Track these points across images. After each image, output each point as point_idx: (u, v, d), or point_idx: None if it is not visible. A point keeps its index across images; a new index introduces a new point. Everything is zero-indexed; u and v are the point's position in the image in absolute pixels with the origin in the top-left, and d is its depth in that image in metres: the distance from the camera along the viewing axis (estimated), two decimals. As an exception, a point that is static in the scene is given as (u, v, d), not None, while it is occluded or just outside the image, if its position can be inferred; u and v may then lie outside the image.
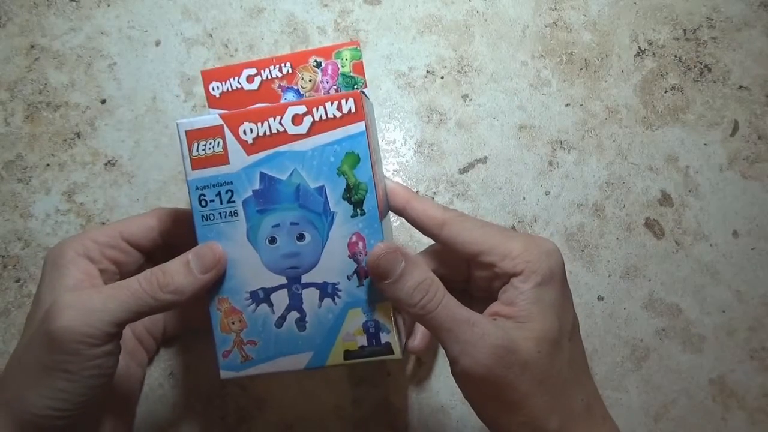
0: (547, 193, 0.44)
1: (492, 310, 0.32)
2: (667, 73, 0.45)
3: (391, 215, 0.37)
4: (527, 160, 0.44)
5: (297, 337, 0.32)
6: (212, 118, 0.32)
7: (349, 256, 0.32)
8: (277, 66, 0.34)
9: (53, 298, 0.31)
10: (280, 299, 0.32)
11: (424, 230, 0.34)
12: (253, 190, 0.32)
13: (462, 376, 0.30)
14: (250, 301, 0.32)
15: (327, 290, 0.32)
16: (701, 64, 0.45)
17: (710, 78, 0.45)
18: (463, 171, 0.44)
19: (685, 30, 0.45)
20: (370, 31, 0.45)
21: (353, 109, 0.31)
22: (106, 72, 0.44)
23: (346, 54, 0.34)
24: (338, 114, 0.31)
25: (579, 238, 0.43)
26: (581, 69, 0.45)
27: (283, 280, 0.32)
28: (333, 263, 0.32)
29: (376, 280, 0.31)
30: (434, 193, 0.43)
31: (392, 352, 0.32)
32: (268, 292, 0.32)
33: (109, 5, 0.45)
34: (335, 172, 0.31)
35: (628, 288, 0.43)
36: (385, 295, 0.31)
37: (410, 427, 0.42)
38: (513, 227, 0.43)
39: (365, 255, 0.32)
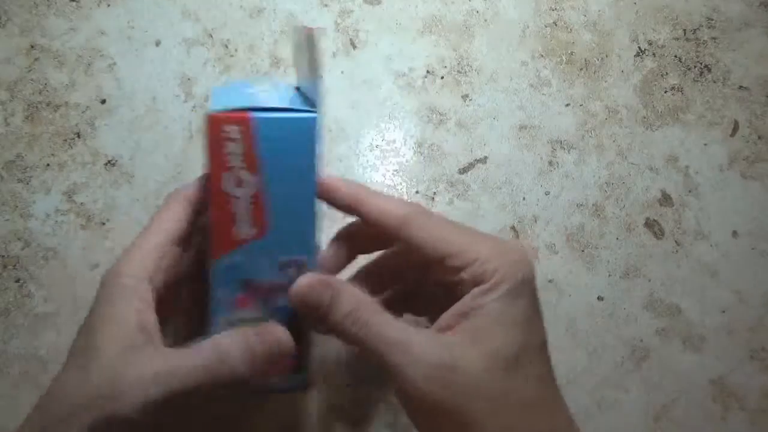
0: (547, 193, 0.44)
1: (443, 323, 0.29)
2: (667, 73, 0.45)
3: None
4: (527, 160, 0.44)
5: None
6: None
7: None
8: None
9: (121, 341, 0.28)
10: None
11: (381, 229, 0.30)
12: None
13: (402, 401, 0.29)
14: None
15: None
16: (701, 64, 0.45)
17: (710, 78, 0.45)
18: (463, 171, 0.44)
19: (685, 30, 0.45)
20: (370, 31, 0.45)
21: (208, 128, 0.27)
22: (106, 72, 0.44)
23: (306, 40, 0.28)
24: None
25: (579, 238, 0.43)
26: (581, 69, 0.45)
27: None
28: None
29: (303, 314, 0.28)
30: (434, 193, 0.43)
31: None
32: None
33: (109, 5, 0.45)
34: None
35: (628, 288, 0.43)
36: (316, 329, 0.29)
37: (410, 427, 0.42)
38: (513, 227, 0.43)
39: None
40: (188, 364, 0.27)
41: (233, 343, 0.28)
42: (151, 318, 0.29)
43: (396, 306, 0.32)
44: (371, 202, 0.30)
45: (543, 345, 0.29)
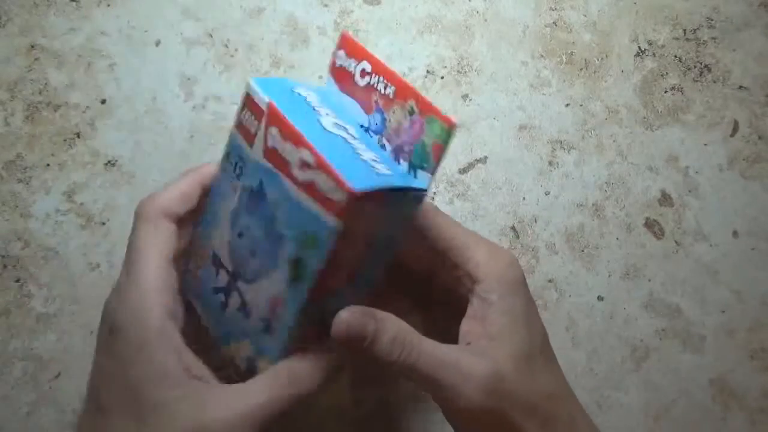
0: (547, 193, 0.44)
1: (464, 329, 0.31)
2: (667, 73, 0.45)
3: None
4: (527, 160, 0.44)
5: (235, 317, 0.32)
6: (264, 98, 0.30)
7: (267, 310, 0.30)
8: (385, 83, 0.31)
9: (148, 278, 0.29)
10: (224, 276, 0.32)
11: None
12: (253, 187, 0.30)
13: (458, 419, 0.30)
14: (210, 258, 0.32)
15: (245, 308, 0.31)
16: (701, 64, 0.45)
17: (710, 78, 0.45)
18: (463, 171, 0.44)
19: (685, 30, 0.45)
20: (370, 31, 0.45)
21: (342, 202, 0.26)
22: (106, 72, 0.44)
23: (436, 128, 0.29)
24: (329, 194, 0.27)
25: (579, 238, 0.43)
26: (581, 69, 0.45)
27: (231, 267, 0.31)
28: (261, 294, 0.30)
29: (348, 348, 0.28)
30: (434, 193, 0.43)
31: None
32: (219, 262, 0.32)
33: (109, 5, 0.45)
34: (295, 237, 0.29)
35: (628, 288, 0.43)
36: (362, 359, 0.29)
37: (410, 427, 0.42)
38: (513, 227, 0.43)
39: (277, 320, 0.30)
40: (265, 396, 0.27)
41: (303, 368, 0.29)
42: (190, 356, 0.29)
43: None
44: None
45: (545, 338, 0.32)
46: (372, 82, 0.32)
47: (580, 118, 0.44)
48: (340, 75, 0.33)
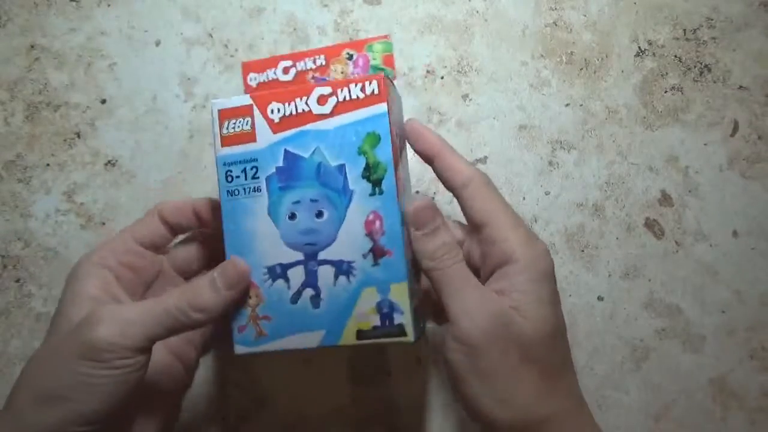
0: (547, 193, 0.44)
1: (495, 287, 0.32)
2: (667, 73, 0.45)
3: (413, 185, 0.39)
4: (527, 160, 0.44)
5: (311, 314, 0.33)
6: (244, 98, 0.33)
7: (365, 234, 0.32)
8: (312, 58, 0.36)
9: (82, 306, 0.32)
10: (297, 275, 0.33)
11: (447, 184, 0.34)
12: (276, 167, 0.33)
13: (457, 340, 0.31)
14: (267, 276, 0.33)
15: (342, 268, 0.32)
16: (701, 64, 0.45)
17: (710, 78, 0.45)
18: (463, 171, 0.44)
19: (685, 30, 0.45)
20: (370, 31, 0.45)
21: (376, 91, 0.32)
22: (106, 72, 0.44)
23: (378, 47, 0.35)
24: (362, 95, 0.32)
25: (579, 238, 0.43)
26: (581, 69, 0.45)
27: (300, 257, 0.33)
28: (349, 241, 0.32)
29: (412, 227, 0.32)
30: (434, 193, 0.43)
31: (405, 334, 0.32)
32: (285, 267, 0.33)
33: (109, 5, 0.45)
34: (356, 151, 0.32)
35: (628, 288, 0.43)
36: (413, 245, 0.33)
37: (410, 427, 0.42)
38: (513, 227, 0.43)
39: (382, 234, 0.32)
40: (167, 301, 0.31)
41: (200, 278, 0.32)
42: (111, 279, 0.35)
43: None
44: (446, 156, 0.34)
45: (565, 329, 0.33)
46: (299, 69, 0.37)
47: (580, 118, 0.44)
48: (260, 92, 0.37)
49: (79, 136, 0.43)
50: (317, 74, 0.35)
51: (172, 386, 0.38)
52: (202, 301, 0.31)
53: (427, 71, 0.44)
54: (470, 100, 0.44)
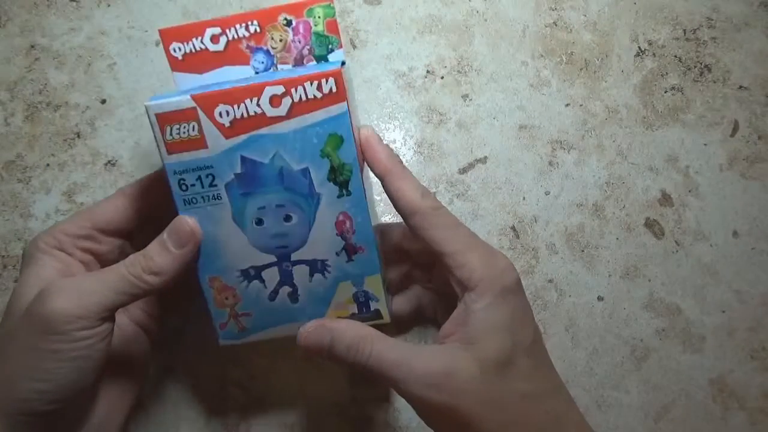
0: (547, 193, 0.44)
1: (445, 331, 0.32)
2: (667, 73, 0.45)
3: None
4: (527, 160, 0.44)
5: (290, 308, 0.33)
6: (185, 100, 0.30)
7: (337, 234, 0.32)
8: (244, 25, 0.31)
9: (39, 287, 0.31)
10: (271, 276, 0.33)
11: (395, 208, 0.33)
12: (234, 174, 0.31)
13: (418, 411, 0.32)
14: (241, 278, 0.33)
15: (317, 267, 0.33)
16: (701, 64, 0.45)
17: (710, 78, 0.45)
18: (463, 171, 0.44)
19: (685, 30, 0.45)
20: (370, 31, 0.45)
21: (334, 89, 0.30)
22: (106, 72, 0.44)
23: (319, 11, 0.31)
24: (319, 95, 0.30)
25: (579, 238, 0.43)
26: (581, 69, 0.45)
27: (273, 259, 0.33)
28: (321, 241, 0.32)
29: (311, 355, 0.32)
30: (434, 193, 0.43)
31: (381, 317, 0.34)
32: (258, 269, 0.33)
33: (109, 5, 0.45)
34: (319, 154, 0.31)
35: (628, 288, 0.43)
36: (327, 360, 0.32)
37: (410, 427, 0.42)
38: (513, 227, 0.43)
39: (353, 233, 0.32)
40: (120, 269, 0.31)
41: (152, 243, 0.32)
42: (72, 262, 0.34)
43: (419, 276, 0.39)
44: (394, 180, 0.33)
45: (535, 342, 0.33)
46: (231, 37, 0.33)
47: (580, 118, 0.44)
48: (189, 63, 0.33)
49: (78, 136, 0.43)
50: (252, 43, 0.32)
51: (141, 357, 0.37)
52: (154, 264, 0.31)
53: (427, 71, 0.44)
54: (470, 100, 0.44)
